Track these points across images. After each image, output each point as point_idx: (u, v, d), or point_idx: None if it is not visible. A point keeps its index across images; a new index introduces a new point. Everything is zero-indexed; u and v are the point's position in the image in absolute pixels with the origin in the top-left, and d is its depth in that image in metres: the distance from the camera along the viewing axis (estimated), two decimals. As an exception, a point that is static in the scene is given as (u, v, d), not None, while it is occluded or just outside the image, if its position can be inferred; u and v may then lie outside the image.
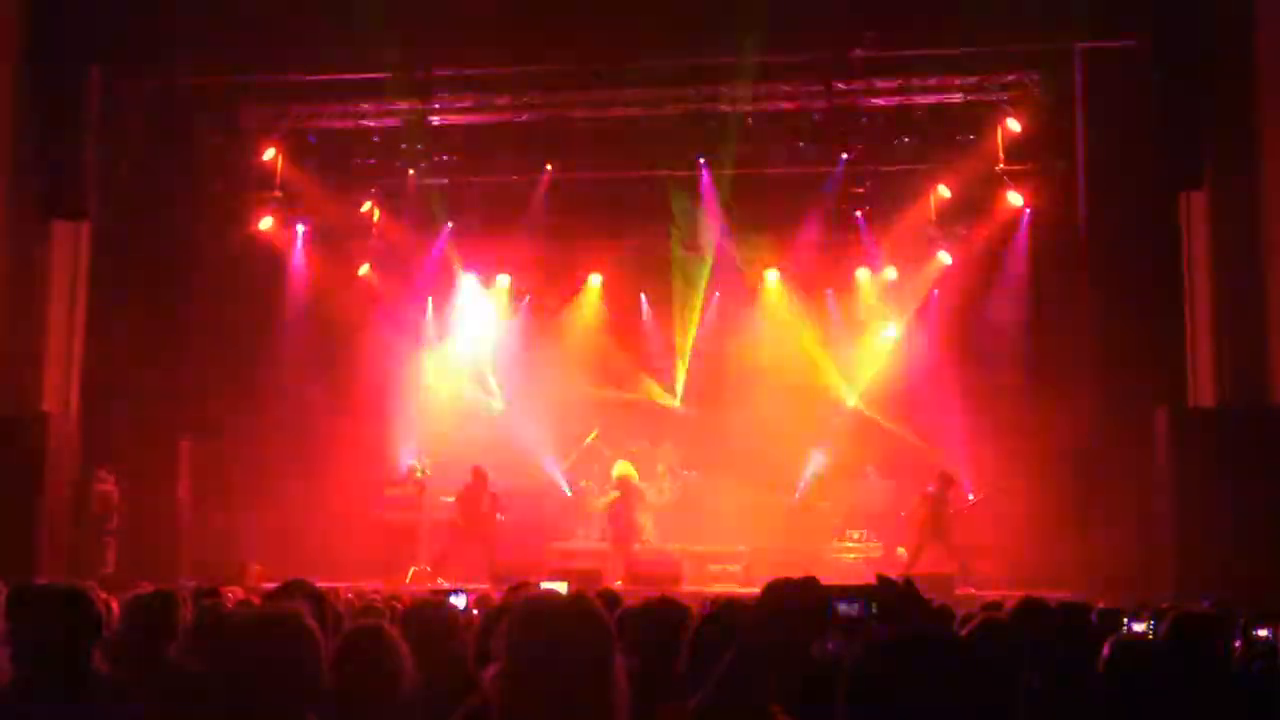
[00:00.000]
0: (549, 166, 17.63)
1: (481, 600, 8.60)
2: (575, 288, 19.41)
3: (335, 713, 3.15)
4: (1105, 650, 4.60)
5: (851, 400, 18.43)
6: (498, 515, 16.84)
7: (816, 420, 17.99)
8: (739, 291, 18.83)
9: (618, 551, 16.56)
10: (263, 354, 17.48)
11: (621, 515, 16.91)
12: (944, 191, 17.35)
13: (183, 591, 6.64)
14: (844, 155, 17.10)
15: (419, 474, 17.26)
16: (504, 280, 19.44)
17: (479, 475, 16.54)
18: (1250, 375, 13.57)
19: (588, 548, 17.50)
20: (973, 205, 17.23)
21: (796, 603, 2.85)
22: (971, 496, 16.44)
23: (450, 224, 18.62)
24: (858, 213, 17.77)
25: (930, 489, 15.88)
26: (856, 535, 17.38)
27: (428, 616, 5.09)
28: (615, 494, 17.05)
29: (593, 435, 18.53)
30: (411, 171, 17.87)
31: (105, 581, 12.30)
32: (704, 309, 19.02)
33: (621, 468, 17.32)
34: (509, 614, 2.96)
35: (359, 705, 3.53)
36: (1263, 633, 6.46)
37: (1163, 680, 4.31)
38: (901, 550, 16.16)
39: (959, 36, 14.79)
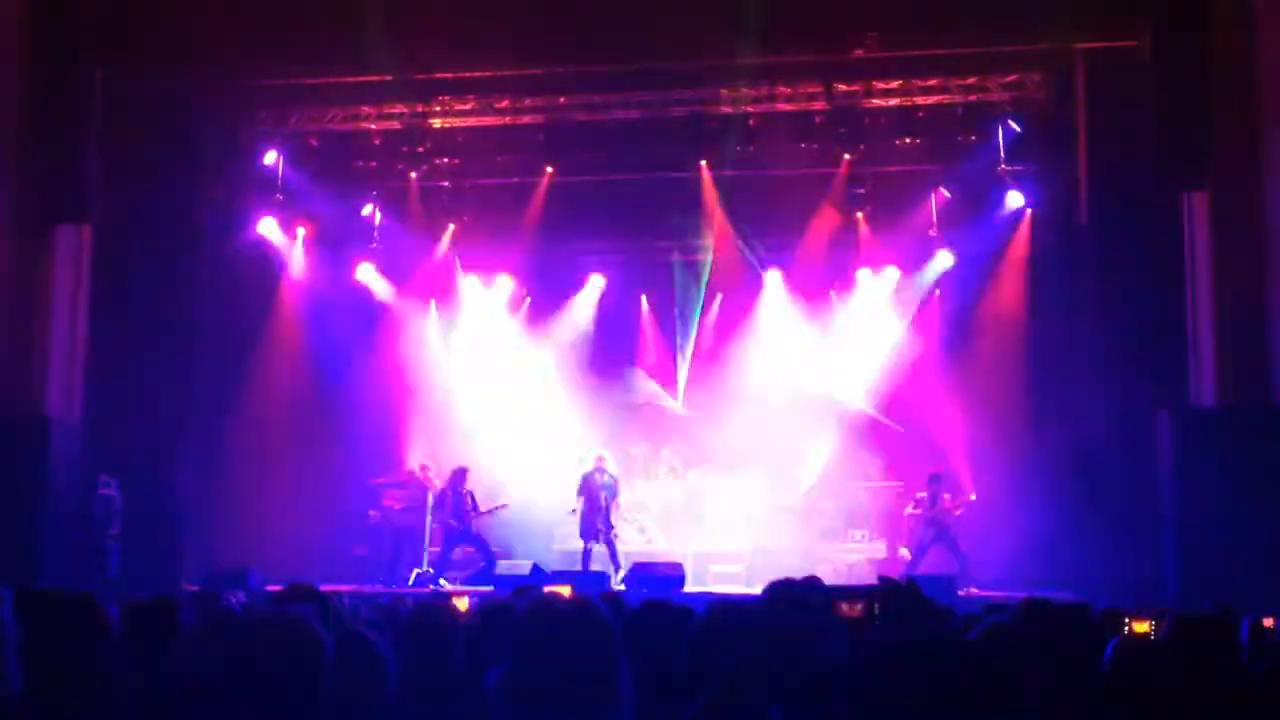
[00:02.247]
0: (550, 169, 17.64)
1: (484, 602, 8.59)
2: (576, 289, 19.41)
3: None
4: (1109, 652, 4.60)
5: (854, 401, 18.42)
6: (501, 504, 16.89)
7: (819, 421, 17.99)
8: (740, 293, 18.84)
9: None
10: (265, 357, 17.50)
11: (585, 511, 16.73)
12: (946, 192, 17.36)
13: (185, 596, 6.65)
14: (845, 156, 17.10)
15: (418, 476, 17.21)
16: (505, 282, 19.44)
17: (456, 477, 16.50)
18: (1253, 375, 13.56)
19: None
20: (974, 206, 17.24)
21: (799, 603, 2.85)
22: (973, 496, 16.44)
23: (451, 226, 18.64)
24: (859, 213, 17.77)
25: (922, 493, 15.87)
26: (859, 536, 17.38)
27: (430, 620, 5.09)
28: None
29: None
30: (413, 174, 17.88)
31: (108, 587, 12.35)
32: (705, 310, 19.02)
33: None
34: (513, 617, 2.96)
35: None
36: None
37: (1167, 681, 4.30)
38: (904, 551, 16.16)
39: (960, 37, 14.80)
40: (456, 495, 16.32)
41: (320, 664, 2.98)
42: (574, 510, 16.36)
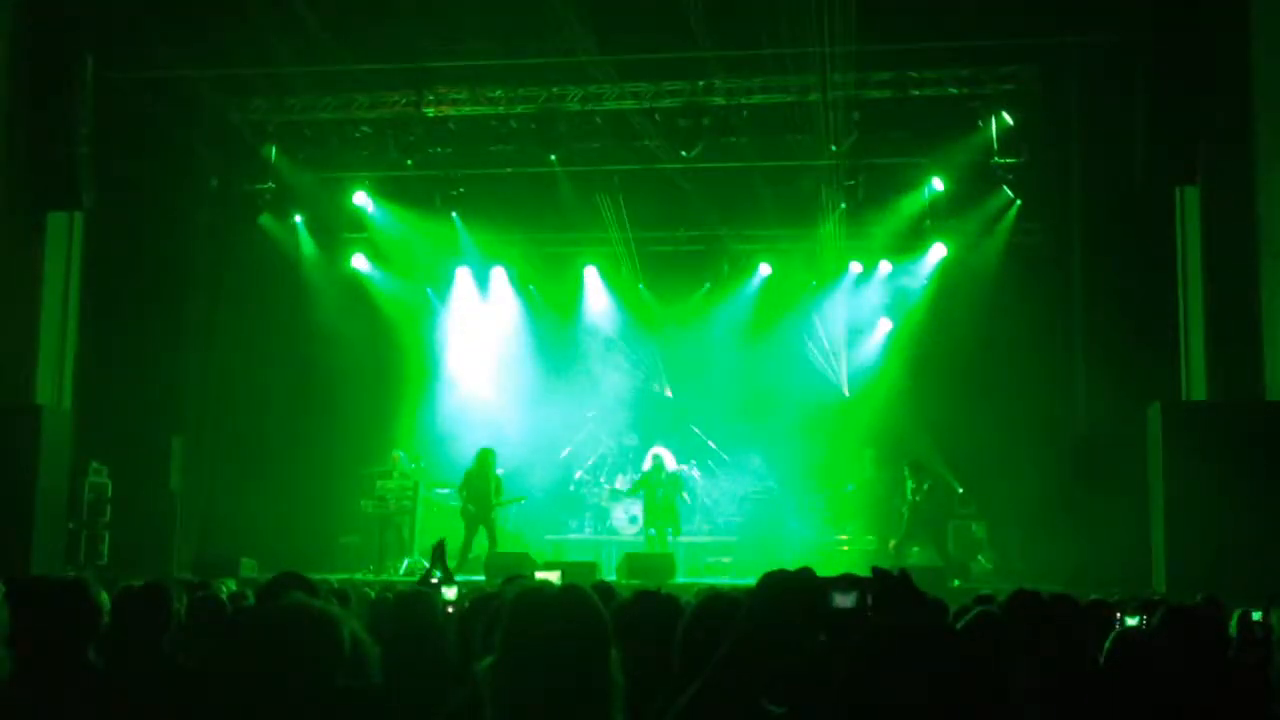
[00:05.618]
0: (543, 158, 17.59)
1: (474, 592, 8.58)
2: (571, 279, 19.39)
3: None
4: (1107, 644, 4.62)
5: (845, 393, 18.45)
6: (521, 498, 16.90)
7: (810, 412, 18.00)
8: (733, 284, 18.85)
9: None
10: (256, 344, 17.48)
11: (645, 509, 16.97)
12: (938, 184, 17.35)
13: (175, 584, 6.64)
14: (835, 147, 17.05)
15: (402, 464, 17.12)
16: (500, 271, 19.42)
17: (485, 458, 16.21)
18: (1243, 370, 13.59)
19: (582, 540, 17.51)
20: (966, 197, 17.23)
21: (791, 594, 2.85)
22: (960, 490, 16.50)
23: (445, 215, 18.58)
24: (845, 204, 17.69)
25: (911, 483, 15.90)
26: (851, 526, 17.41)
27: (418, 609, 5.09)
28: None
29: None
30: (410, 161, 17.79)
31: (99, 575, 12.33)
32: (699, 301, 19.03)
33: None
34: (503, 606, 2.96)
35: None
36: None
37: (1159, 674, 4.32)
38: (893, 542, 16.18)
39: (955, 30, 14.80)
40: (482, 477, 16.06)
41: (339, 654, 2.96)
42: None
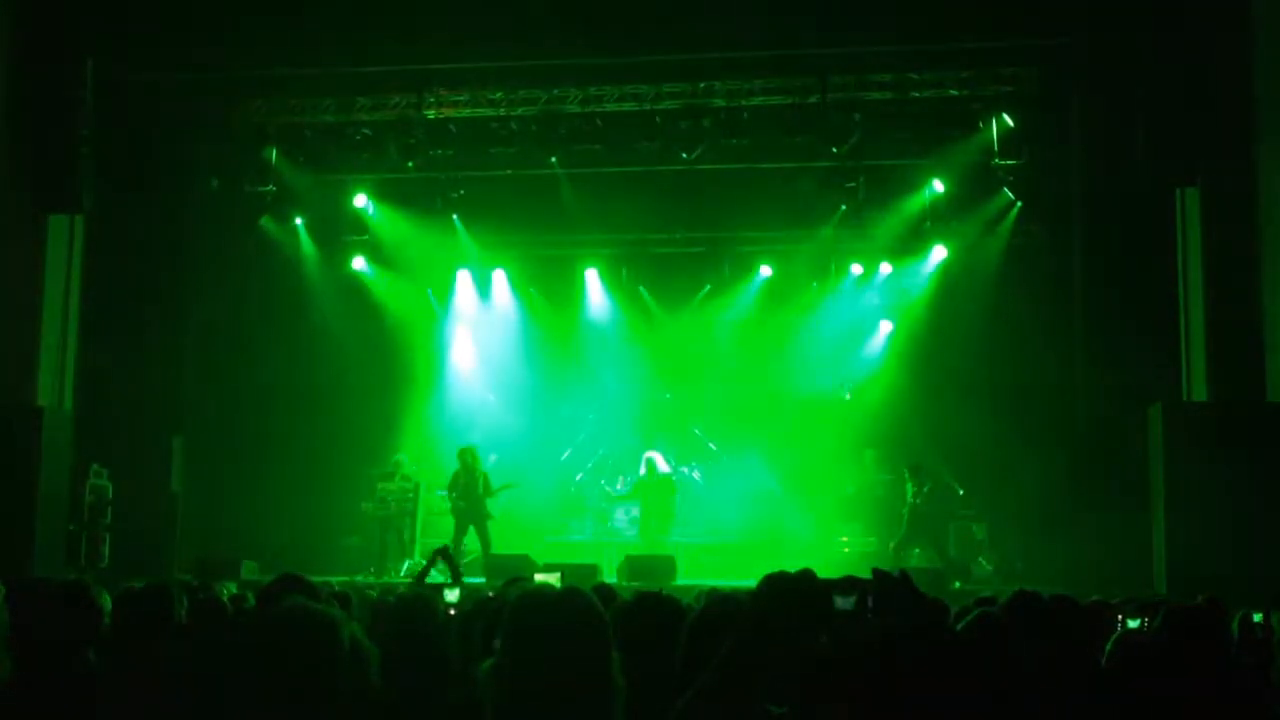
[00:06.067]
0: (545, 160, 17.58)
1: (475, 593, 8.57)
2: (572, 281, 19.39)
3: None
4: (1108, 646, 4.62)
5: (846, 394, 18.44)
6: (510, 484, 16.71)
7: (810, 414, 18.00)
8: (733, 285, 18.85)
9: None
10: (256, 346, 17.48)
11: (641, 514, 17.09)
12: (938, 185, 17.35)
13: (175, 586, 6.63)
14: (835, 149, 17.05)
15: (404, 467, 17.10)
16: (501, 274, 19.41)
17: (467, 456, 16.24)
18: (1245, 371, 13.58)
19: (583, 541, 17.51)
20: (967, 199, 17.23)
21: (793, 596, 2.85)
22: (961, 491, 16.49)
23: (446, 217, 18.58)
24: (846, 206, 17.67)
25: (911, 485, 15.90)
26: (852, 528, 17.41)
27: (418, 611, 5.08)
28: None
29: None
30: (410, 164, 17.80)
31: (100, 577, 12.34)
32: (699, 302, 19.03)
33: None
34: (504, 608, 2.95)
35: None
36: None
37: (1164, 675, 4.32)
38: (893, 544, 16.19)
39: (955, 31, 14.79)
40: (469, 474, 16.08)
41: (338, 657, 2.96)
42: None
